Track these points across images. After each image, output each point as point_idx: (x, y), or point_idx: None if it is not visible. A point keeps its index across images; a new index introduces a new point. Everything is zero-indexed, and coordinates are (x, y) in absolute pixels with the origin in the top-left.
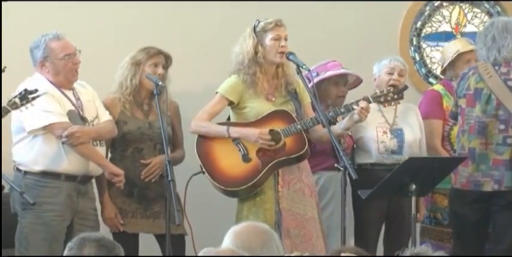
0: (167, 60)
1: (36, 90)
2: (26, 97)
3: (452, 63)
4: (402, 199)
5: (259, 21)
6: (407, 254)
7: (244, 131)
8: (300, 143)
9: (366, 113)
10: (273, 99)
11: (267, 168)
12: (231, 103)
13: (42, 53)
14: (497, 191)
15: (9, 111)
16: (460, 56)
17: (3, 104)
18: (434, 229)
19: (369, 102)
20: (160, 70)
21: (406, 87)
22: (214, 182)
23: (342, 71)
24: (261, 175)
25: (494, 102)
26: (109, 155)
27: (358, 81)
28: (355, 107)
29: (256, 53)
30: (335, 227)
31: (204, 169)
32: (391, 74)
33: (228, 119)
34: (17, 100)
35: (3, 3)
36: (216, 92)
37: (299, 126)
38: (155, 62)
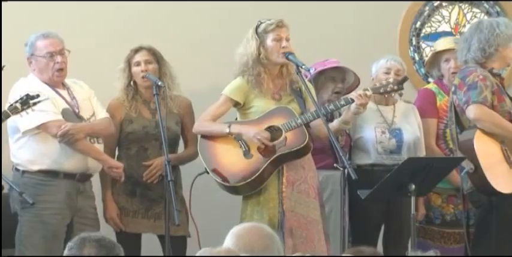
0: (153, 53)
1: (38, 96)
2: (27, 102)
3: (434, 61)
4: (402, 199)
5: (260, 22)
6: None
7: (245, 126)
8: (300, 137)
9: (365, 100)
10: (279, 98)
11: (268, 162)
12: (236, 104)
13: (28, 49)
14: None
15: (9, 116)
16: (439, 54)
17: (4, 108)
18: (424, 228)
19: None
20: (143, 67)
21: (406, 79)
22: (216, 179)
23: (337, 64)
24: (262, 169)
25: None
26: (116, 153)
27: (356, 84)
28: (353, 96)
29: (259, 54)
30: (333, 226)
31: (205, 166)
32: (387, 73)
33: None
34: (18, 105)
35: (3, 3)
36: (221, 94)
37: (299, 121)
38: (137, 61)
